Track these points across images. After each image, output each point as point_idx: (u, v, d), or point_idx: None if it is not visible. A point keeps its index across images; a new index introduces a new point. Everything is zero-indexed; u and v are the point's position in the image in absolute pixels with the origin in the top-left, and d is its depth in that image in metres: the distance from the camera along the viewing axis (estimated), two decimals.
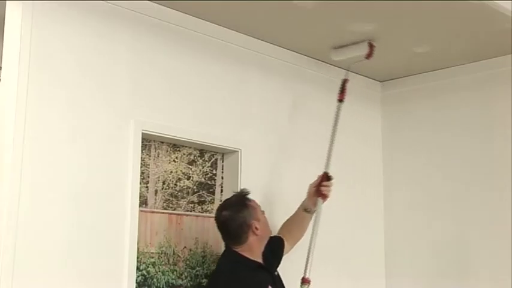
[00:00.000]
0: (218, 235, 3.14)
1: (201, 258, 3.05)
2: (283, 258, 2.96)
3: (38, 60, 2.48)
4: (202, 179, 3.14)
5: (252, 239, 2.72)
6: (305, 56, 3.56)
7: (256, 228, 2.72)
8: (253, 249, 2.75)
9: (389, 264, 3.89)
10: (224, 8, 2.92)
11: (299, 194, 3.31)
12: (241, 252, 2.72)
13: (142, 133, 2.79)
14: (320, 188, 2.96)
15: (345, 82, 3.16)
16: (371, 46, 3.21)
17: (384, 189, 3.96)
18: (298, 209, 3.05)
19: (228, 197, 2.90)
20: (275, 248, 2.91)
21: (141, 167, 2.78)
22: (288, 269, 2.92)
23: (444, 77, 3.77)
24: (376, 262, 3.88)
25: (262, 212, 2.82)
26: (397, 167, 3.93)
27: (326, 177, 2.99)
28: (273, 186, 3.21)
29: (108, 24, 2.73)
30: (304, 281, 2.76)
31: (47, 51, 2.52)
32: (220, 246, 3.13)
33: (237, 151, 3.18)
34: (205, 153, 3.16)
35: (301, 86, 3.57)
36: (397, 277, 3.85)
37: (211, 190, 3.17)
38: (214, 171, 3.19)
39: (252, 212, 2.74)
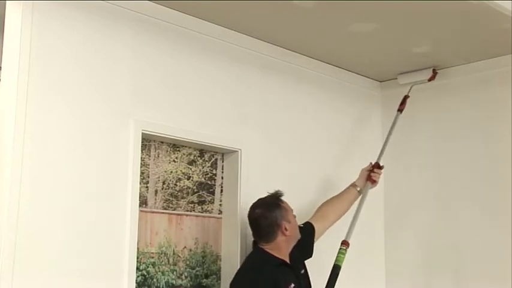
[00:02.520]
0: (218, 235, 3.15)
1: (201, 258, 3.05)
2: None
3: (38, 60, 2.48)
4: (202, 179, 3.14)
5: (280, 238, 2.81)
6: (305, 56, 3.56)
7: (285, 229, 2.81)
8: (281, 249, 2.83)
9: (389, 265, 3.89)
10: (224, 8, 2.92)
11: (299, 194, 3.32)
12: (268, 250, 2.81)
13: (142, 133, 2.79)
14: (371, 174, 3.31)
15: (406, 97, 3.63)
16: (434, 72, 3.68)
17: (384, 189, 3.96)
18: (349, 188, 3.30)
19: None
20: (305, 239, 2.98)
21: (141, 167, 2.78)
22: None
23: (444, 77, 3.77)
24: (376, 263, 3.88)
25: (294, 216, 2.91)
26: (397, 167, 3.92)
27: (378, 165, 3.36)
28: (273, 186, 3.20)
29: (108, 24, 2.73)
30: (344, 242, 3.07)
31: (47, 51, 2.52)
32: (220, 246, 3.14)
33: (237, 151, 3.18)
34: (205, 153, 3.16)
35: (302, 86, 3.57)
36: (397, 278, 3.85)
37: (211, 190, 3.17)
38: (214, 171, 3.19)
39: (284, 213, 2.84)
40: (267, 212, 2.82)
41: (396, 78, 3.91)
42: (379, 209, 3.95)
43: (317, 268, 3.04)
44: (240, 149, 3.18)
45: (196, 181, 3.11)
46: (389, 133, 3.52)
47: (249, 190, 3.14)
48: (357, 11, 2.96)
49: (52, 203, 2.47)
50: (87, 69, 2.65)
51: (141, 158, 2.80)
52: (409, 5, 2.86)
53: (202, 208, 3.10)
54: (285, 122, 3.46)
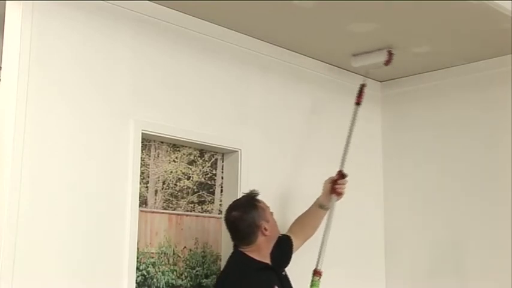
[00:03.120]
0: (218, 235, 3.14)
1: (201, 258, 3.05)
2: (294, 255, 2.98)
3: (38, 60, 2.48)
4: (202, 179, 3.14)
5: (260, 239, 2.73)
6: (305, 56, 3.56)
7: (265, 229, 2.73)
8: (262, 250, 2.75)
9: (389, 265, 3.89)
10: (224, 8, 2.92)
11: (299, 194, 3.32)
12: (248, 253, 2.73)
13: (142, 133, 2.79)
14: (335, 186, 3.03)
15: (362, 87, 3.27)
16: (390, 54, 3.33)
17: (384, 189, 3.96)
18: (313, 205, 3.09)
19: (236, 197, 2.94)
20: (284, 248, 2.92)
21: (141, 167, 2.78)
22: (300, 263, 2.95)
23: (444, 77, 3.77)
24: (376, 263, 3.88)
25: (271, 213, 2.82)
26: (397, 167, 3.93)
27: (341, 175, 3.06)
28: (273, 186, 3.21)
29: (108, 24, 2.73)
30: (316, 272, 2.86)
31: (47, 51, 2.52)
32: (221, 246, 3.14)
33: (237, 151, 3.18)
34: (205, 153, 3.16)
35: (302, 86, 3.57)
36: (397, 278, 3.85)
37: (211, 190, 3.17)
38: (214, 171, 3.19)
39: (261, 213, 2.75)
40: (244, 214, 2.72)
41: (396, 78, 3.91)
42: (379, 209, 3.95)
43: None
44: (240, 149, 3.18)
45: (196, 181, 3.11)
46: (350, 132, 3.19)
47: (249, 190, 3.14)
48: (357, 11, 2.96)
49: (52, 203, 2.47)
50: (87, 69, 2.65)
51: (141, 158, 2.80)
52: (409, 5, 2.86)
53: (202, 208, 3.10)
54: (285, 122, 3.46)
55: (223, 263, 3.11)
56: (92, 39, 2.68)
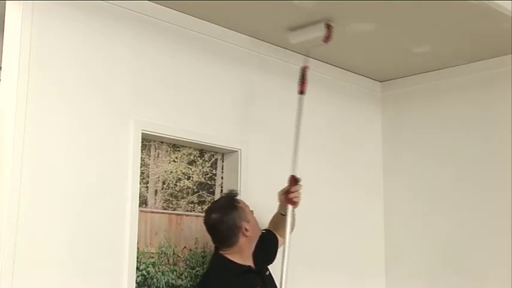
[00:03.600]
0: None
1: (201, 258, 3.05)
2: None
3: (38, 60, 2.48)
4: (202, 179, 3.14)
5: (242, 240, 2.67)
6: (303, 56, 3.55)
7: (246, 229, 2.66)
8: (243, 251, 2.69)
9: (389, 264, 3.89)
10: (224, 8, 2.92)
11: None
12: (230, 257, 2.67)
13: (142, 133, 2.79)
14: (289, 196, 2.80)
15: (304, 70, 2.90)
16: (329, 27, 2.96)
17: (384, 189, 3.96)
18: (276, 213, 2.95)
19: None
20: (267, 244, 2.84)
21: (141, 167, 2.78)
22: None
23: (444, 77, 3.77)
24: (376, 262, 3.88)
25: (251, 212, 2.76)
26: (397, 167, 3.93)
27: (294, 180, 2.82)
28: (272, 186, 3.20)
29: (108, 24, 2.74)
30: None
31: (47, 51, 2.52)
32: None
33: (237, 151, 3.18)
34: (205, 153, 3.16)
35: None
36: (397, 277, 3.85)
37: (211, 190, 3.17)
38: (214, 171, 3.19)
39: (242, 214, 2.68)
40: (224, 216, 2.65)
41: (396, 78, 3.91)
42: (379, 209, 3.95)
43: None
44: (240, 149, 3.18)
45: (196, 181, 3.11)
46: (297, 127, 2.89)
47: (249, 190, 3.14)
48: (357, 11, 2.96)
49: (52, 203, 2.47)
50: (87, 69, 2.65)
51: (141, 158, 2.80)
52: (409, 5, 2.86)
53: (202, 208, 3.10)
54: (285, 122, 3.46)
55: None
56: (92, 39, 2.68)
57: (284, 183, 3.22)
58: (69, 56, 2.59)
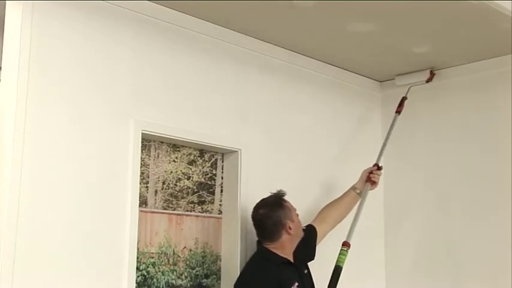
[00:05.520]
0: (218, 235, 3.14)
1: (201, 258, 3.05)
2: None
3: (38, 60, 2.48)
4: (202, 179, 3.14)
5: (284, 237, 2.86)
6: (305, 56, 3.56)
7: (289, 228, 2.86)
8: (285, 247, 2.88)
9: (389, 264, 3.89)
10: (224, 8, 2.92)
11: (299, 194, 3.31)
12: (272, 249, 2.86)
13: (142, 133, 2.79)
14: (370, 175, 3.32)
15: (403, 99, 3.66)
16: (432, 73, 3.72)
17: (384, 189, 3.96)
18: (349, 191, 3.31)
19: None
20: (308, 240, 3.02)
21: (141, 167, 2.78)
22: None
23: (444, 77, 3.77)
24: (376, 262, 3.88)
25: (297, 215, 2.95)
26: (397, 167, 3.92)
27: (377, 167, 3.38)
28: (273, 186, 3.20)
29: (108, 24, 2.73)
30: (345, 243, 3.08)
31: (47, 51, 2.52)
32: (220, 246, 3.14)
33: (237, 151, 3.18)
34: (205, 153, 3.16)
35: (302, 86, 3.57)
36: (397, 277, 3.85)
37: (211, 190, 3.17)
38: (214, 171, 3.19)
39: (287, 212, 2.89)
40: (271, 212, 2.87)
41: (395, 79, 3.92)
42: (379, 209, 3.95)
43: (319, 269, 3.06)
44: (240, 149, 3.18)
45: (196, 181, 3.11)
46: (388, 135, 3.54)
47: (249, 190, 3.14)
48: (357, 11, 2.96)
49: (52, 203, 2.47)
50: (87, 69, 2.65)
51: (141, 158, 2.80)
52: (409, 5, 2.86)
53: (202, 208, 3.10)
54: (285, 122, 3.46)
55: (223, 263, 3.12)
56: (92, 39, 2.68)
57: (284, 183, 3.23)
58: (69, 56, 2.59)
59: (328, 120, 3.72)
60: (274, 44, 3.38)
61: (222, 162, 3.23)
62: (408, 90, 3.73)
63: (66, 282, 2.48)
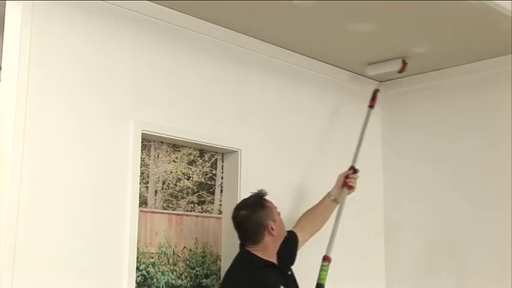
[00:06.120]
0: (218, 235, 3.14)
1: (201, 258, 3.05)
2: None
3: (38, 60, 2.48)
4: (202, 179, 3.14)
5: (267, 239, 2.75)
6: (305, 56, 3.56)
7: (272, 228, 2.75)
8: (268, 249, 2.77)
9: (389, 265, 3.89)
10: (224, 8, 2.92)
11: (299, 194, 3.32)
12: (255, 252, 2.74)
13: (142, 133, 2.79)
14: (346, 180, 3.16)
15: (376, 92, 3.48)
16: (404, 63, 3.51)
17: (384, 189, 3.96)
18: (324, 198, 3.18)
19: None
20: (289, 245, 2.93)
21: (141, 167, 2.78)
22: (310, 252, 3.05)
23: (444, 77, 3.77)
24: (376, 263, 3.88)
25: (278, 213, 2.84)
26: (397, 167, 3.93)
27: (353, 170, 3.21)
28: (273, 187, 3.20)
29: (108, 24, 2.73)
30: (325, 258, 2.96)
31: (47, 51, 2.52)
32: (220, 246, 3.14)
33: (237, 151, 3.18)
34: (205, 153, 3.16)
35: (301, 86, 3.57)
36: (397, 277, 3.85)
37: (211, 190, 3.17)
38: (214, 171, 3.19)
39: (269, 213, 2.77)
40: (252, 213, 2.75)
41: (396, 79, 3.91)
42: (379, 209, 3.95)
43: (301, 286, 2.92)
44: (240, 149, 3.18)
45: (196, 181, 3.11)
46: (362, 133, 3.36)
47: (249, 190, 3.13)
48: (357, 11, 2.96)
49: (52, 203, 2.47)
50: (87, 69, 2.65)
51: (141, 158, 2.80)
52: (409, 5, 2.86)
53: (202, 208, 3.10)
54: (285, 122, 3.46)
55: (223, 263, 3.11)
56: (92, 39, 2.68)
57: (284, 183, 3.23)
58: (69, 56, 2.59)
59: (328, 120, 3.72)
60: (274, 44, 3.38)
61: (222, 162, 3.23)
62: (380, 83, 3.67)
63: (66, 282, 2.48)
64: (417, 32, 3.23)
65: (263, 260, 2.73)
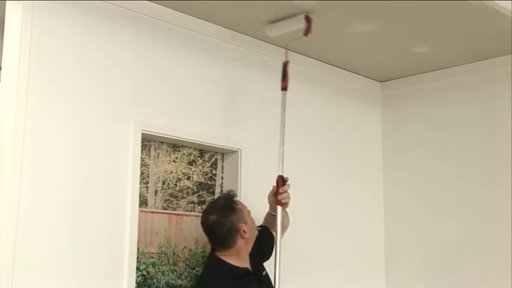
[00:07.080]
0: None
1: (201, 258, 3.05)
2: None
3: (38, 60, 2.48)
4: (202, 179, 3.14)
5: (240, 242, 2.63)
6: (305, 56, 3.56)
7: (244, 231, 2.63)
8: (241, 253, 2.66)
9: (389, 264, 3.89)
10: (224, 8, 2.92)
11: (299, 194, 3.31)
12: (226, 259, 2.63)
13: (142, 133, 2.79)
14: (277, 198, 2.79)
15: (285, 65, 2.87)
16: (308, 20, 2.87)
17: (384, 189, 3.96)
18: (268, 212, 2.94)
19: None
20: (263, 240, 2.80)
21: (141, 167, 2.78)
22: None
23: (444, 77, 3.77)
24: (376, 262, 3.88)
25: (248, 211, 2.72)
26: (397, 167, 3.93)
27: (282, 181, 2.81)
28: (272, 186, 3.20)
29: (108, 24, 2.73)
30: None
31: (47, 51, 2.52)
32: None
33: (237, 151, 3.18)
34: (205, 153, 3.16)
35: (302, 86, 3.57)
36: (397, 277, 3.85)
37: (211, 190, 3.17)
38: (214, 171, 3.19)
39: (240, 216, 2.64)
40: (223, 218, 2.61)
41: (396, 78, 3.92)
42: (379, 209, 3.95)
43: None
44: (240, 149, 3.18)
45: (196, 181, 3.11)
46: (282, 120, 2.88)
47: (249, 190, 3.14)
48: (357, 11, 2.96)
49: (52, 203, 2.47)
50: (87, 69, 2.65)
51: (141, 158, 2.80)
52: (409, 5, 2.86)
53: (202, 208, 3.10)
54: (285, 122, 3.45)
55: None
56: (92, 39, 2.68)
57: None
58: (69, 56, 2.59)
59: (328, 120, 3.72)
60: (274, 44, 3.38)
61: (222, 162, 3.23)
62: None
63: (66, 282, 2.47)
64: (417, 32, 3.23)
65: (236, 268, 2.63)
